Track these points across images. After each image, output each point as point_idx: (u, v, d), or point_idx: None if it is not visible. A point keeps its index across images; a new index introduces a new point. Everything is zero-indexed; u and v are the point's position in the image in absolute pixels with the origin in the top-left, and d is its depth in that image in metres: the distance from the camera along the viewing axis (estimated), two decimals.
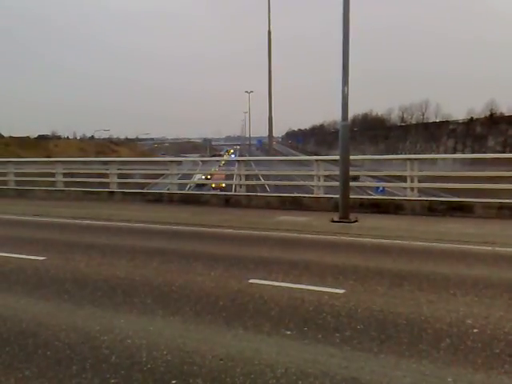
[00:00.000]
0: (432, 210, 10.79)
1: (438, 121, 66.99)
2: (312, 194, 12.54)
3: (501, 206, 10.27)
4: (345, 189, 10.12)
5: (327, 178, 12.49)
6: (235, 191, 13.90)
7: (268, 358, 3.81)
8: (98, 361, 3.83)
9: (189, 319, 4.69)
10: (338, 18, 9.76)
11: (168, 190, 14.47)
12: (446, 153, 53.87)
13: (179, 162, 16.11)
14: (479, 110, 58.36)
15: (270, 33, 25.78)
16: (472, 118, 56.04)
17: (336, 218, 10.08)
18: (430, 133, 62.10)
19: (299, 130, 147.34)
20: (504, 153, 39.85)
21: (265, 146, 77.47)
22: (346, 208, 10.12)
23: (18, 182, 16.42)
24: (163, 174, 15.48)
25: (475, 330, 4.28)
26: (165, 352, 3.95)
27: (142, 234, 9.61)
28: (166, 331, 4.40)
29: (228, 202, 13.03)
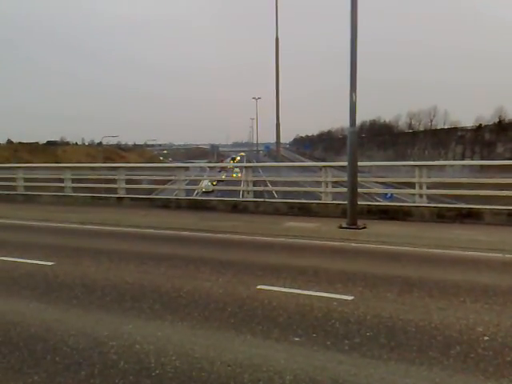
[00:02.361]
0: (441, 216, 10.74)
1: (446, 127, 66.74)
2: (320, 200, 12.52)
3: (510, 213, 10.21)
4: (353, 195, 10.10)
5: (335, 184, 12.47)
6: (243, 197, 13.90)
7: (276, 365, 3.79)
8: (107, 366, 3.83)
9: (197, 325, 4.68)
10: (347, 24, 9.77)
11: (176, 195, 14.50)
12: (454, 159, 53.64)
13: (187, 168, 16.15)
14: (488, 116, 58.07)
15: (277, 40, 25.84)
16: (480, 124, 55.82)
17: (344, 225, 10.05)
18: (438, 139, 61.93)
19: (307, 136, 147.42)
20: None
21: (272, 152, 77.48)
22: (354, 214, 10.09)
23: (26, 188, 16.52)
24: (171, 180, 15.51)
25: (486, 338, 4.24)
26: (173, 358, 3.94)
27: (150, 239, 9.62)
28: (174, 337, 4.39)
29: (235, 207, 13.03)
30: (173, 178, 15.15)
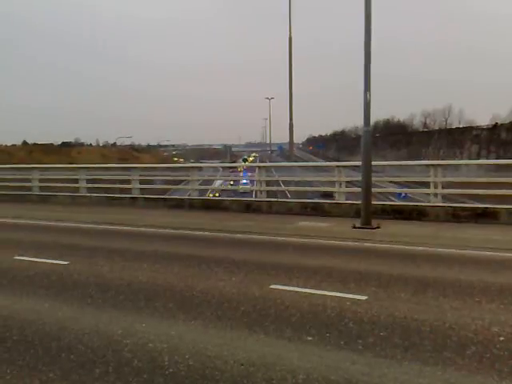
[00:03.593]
0: (456, 216, 10.63)
1: (461, 126, 66.09)
2: (333, 199, 12.48)
3: None
4: (367, 195, 10.05)
5: (348, 183, 12.42)
6: (256, 197, 13.90)
7: (289, 364, 3.78)
8: (121, 364, 3.85)
9: (210, 324, 4.69)
10: (361, 20, 9.73)
11: (189, 195, 14.56)
12: (469, 159, 53.09)
13: (200, 168, 16.20)
14: (504, 115, 57.38)
15: (290, 39, 25.86)
16: (496, 123, 55.17)
17: (358, 224, 10.00)
18: (453, 138, 61.35)
19: (320, 136, 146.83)
20: None
21: (285, 152, 77.40)
22: (368, 214, 10.03)
23: (41, 188, 16.70)
24: (184, 180, 15.57)
25: (501, 338, 4.19)
26: (186, 356, 3.95)
27: (164, 239, 9.67)
28: (187, 336, 4.41)
29: (249, 207, 13.04)
30: (186, 178, 15.20)
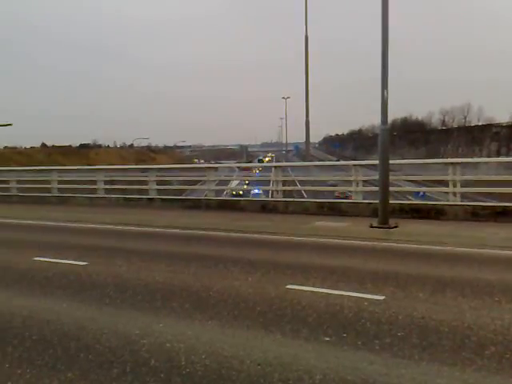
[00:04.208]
0: (475, 215, 10.49)
1: (480, 124, 65.21)
2: (350, 199, 12.41)
3: None
4: (384, 194, 9.97)
5: (365, 183, 12.34)
6: (272, 197, 13.88)
7: (306, 364, 3.77)
8: (138, 364, 3.88)
9: (226, 324, 4.70)
10: (378, 20, 9.67)
11: (205, 196, 14.61)
12: (489, 157, 52.36)
13: (216, 169, 16.25)
14: None
15: (307, 38, 25.80)
16: None
17: (375, 224, 9.93)
18: (472, 136, 60.57)
19: (336, 135, 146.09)
20: None
21: (301, 151, 77.23)
22: (386, 213, 9.96)
23: (60, 190, 16.92)
24: (201, 181, 15.63)
25: None
26: (203, 356, 3.97)
27: (180, 239, 9.72)
28: (204, 336, 4.42)
29: (265, 207, 13.04)
30: (202, 178, 15.25)
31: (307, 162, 24.53)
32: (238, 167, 22.57)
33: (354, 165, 12.71)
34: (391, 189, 10.72)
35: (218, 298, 5.50)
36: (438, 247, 7.99)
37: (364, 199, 12.01)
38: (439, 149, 68.37)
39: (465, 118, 73.46)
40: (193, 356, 3.98)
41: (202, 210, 13.77)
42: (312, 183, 15.04)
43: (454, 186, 11.10)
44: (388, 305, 5.09)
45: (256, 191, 24.02)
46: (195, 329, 4.60)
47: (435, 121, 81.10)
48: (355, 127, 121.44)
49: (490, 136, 56.44)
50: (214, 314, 4.96)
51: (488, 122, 63.21)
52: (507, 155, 50.47)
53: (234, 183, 20.63)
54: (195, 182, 18.21)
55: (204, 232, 10.26)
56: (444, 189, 11.64)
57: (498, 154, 52.38)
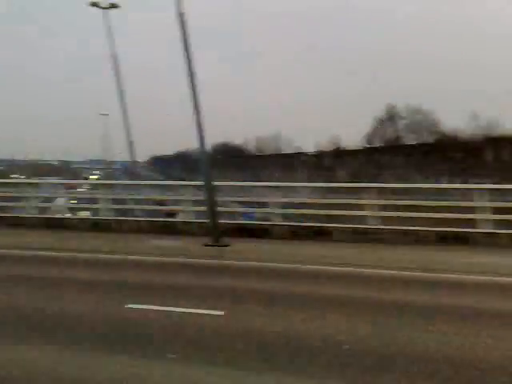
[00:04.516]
0: (297, 234, 11.51)
1: (291, 152, 71.73)
2: (186, 219, 12.59)
3: (355, 231, 11.27)
4: (212, 213, 10.39)
5: (195, 202, 12.61)
6: (101, 215, 13.38)
7: (153, 383, 3.84)
8: None
9: (66, 348, 4.50)
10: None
11: (28, 213, 13.44)
12: (301, 181, 57.73)
13: (36, 184, 15.27)
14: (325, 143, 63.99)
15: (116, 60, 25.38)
16: (321, 150, 61.89)
17: (209, 242, 10.29)
18: (285, 162, 66.20)
19: (163, 155, 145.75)
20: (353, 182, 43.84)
21: (129, 170, 75.15)
22: (217, 232, 10.38)
23: None
24: (24, 197, 14.27)
25: (346, 347, 4.69)
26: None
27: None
28: (43, 360, 4.23)
29: (96, 225, 12.55)
30: (23, 195, 14.04)
31: (136, 180, 24.18)
32: (65, 183, 21.17)
33: (181, 185, 13.13)
34: (220, 209, 11.19)
35: (55, 321, 5.25)
36: (266, 264, 8.61)
37: (197, 219, 12.32)
38: (259, 173, 72.92)
39: (277, 146, 79.20)
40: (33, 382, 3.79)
41: (25, 229, 12.60)
42: (146, 202, 14.90)
43: (276, 207, 12.08)
44: (228, 320, 5.39)
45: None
46: (34, 353, 4.35)
47: (252, 147, 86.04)
48: (181, 148, 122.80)
49: (301, 163, 62.60)
50: (51, 338, 4.74)
51: (297, 151, 69.92)
52: (316, 180, 56.20)
53: (59, 201, 19.36)
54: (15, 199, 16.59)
55: (34, 252, 9.50)
56: (268, 210, 12.52)
57: (309, 179, 58.02)
